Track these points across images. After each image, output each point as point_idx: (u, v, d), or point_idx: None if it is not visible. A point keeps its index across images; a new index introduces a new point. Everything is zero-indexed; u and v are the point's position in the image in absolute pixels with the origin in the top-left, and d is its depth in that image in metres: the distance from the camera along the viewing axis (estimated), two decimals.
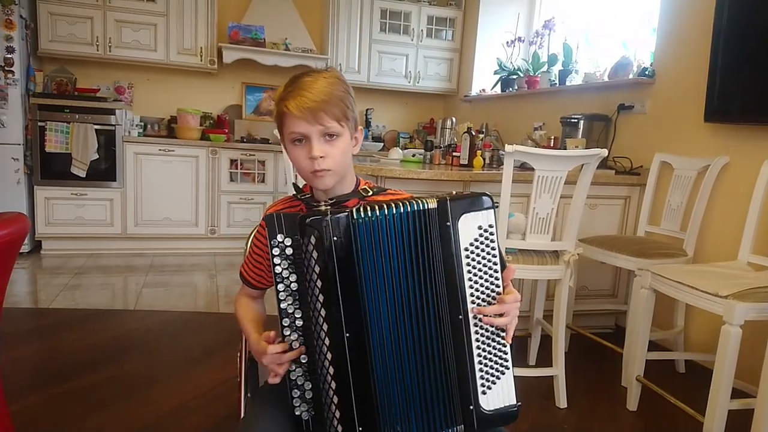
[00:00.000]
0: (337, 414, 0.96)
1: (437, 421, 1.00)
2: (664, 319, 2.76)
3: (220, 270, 4.17)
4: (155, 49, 4.56)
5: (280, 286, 0.98)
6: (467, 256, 0.99)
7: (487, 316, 1.00)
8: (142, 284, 3.69)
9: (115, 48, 4.46)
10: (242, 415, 1.25)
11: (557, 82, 4.00)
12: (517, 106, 4.50)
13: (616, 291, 3.17)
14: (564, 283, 2.27)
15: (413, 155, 3.61)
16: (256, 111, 5.23)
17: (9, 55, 3.94)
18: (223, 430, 1.96)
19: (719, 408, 1.85)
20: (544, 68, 4.20)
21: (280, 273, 0.98)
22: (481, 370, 1.00)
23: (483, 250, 1.00)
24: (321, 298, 0.95)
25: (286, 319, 0.99)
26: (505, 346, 1.02)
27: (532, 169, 2.14)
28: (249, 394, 1.28)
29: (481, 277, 1.00)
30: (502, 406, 1.02)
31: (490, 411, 1.01)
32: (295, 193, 1.20)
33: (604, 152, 2.12)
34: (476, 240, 0.99)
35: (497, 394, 1.01)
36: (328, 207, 1.00)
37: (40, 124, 4.10)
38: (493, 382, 1.01)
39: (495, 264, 1.01)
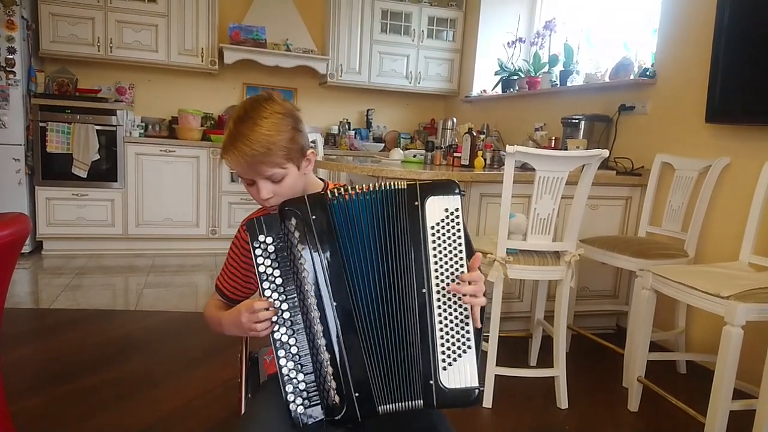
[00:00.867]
0: (333, 384, 1.02)
1: (402, 392, 1.03)
2: (665, 319, 2.75)
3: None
4: (156, 50, 4.57)
5: (265, 284, 1.03)
6: (433, 234, 1.04)
7: (458, 284, 1.03)
8: (143, 285, 3.69)
9: (117, 49, 4.46)
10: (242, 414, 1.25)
11: (558, 82, 4.01)
12: (518, 107, 4.50)
13: (617, 292, 3.16)
14: (565, 284, 2.26)
15: (414, 156, 3.61)
16: None
17: (10, 56, 3.94)
18: (224, 431, 1.96)
19: (720, 409, 1.85)
20: (545, 69, 4.20)
21: (264, 272, 1.03)
22: (442, 345, 1.03)
23: (448, 231, 1.04)
24: (307, 273, 1.02)
25: (274, 316, 1.04)
26: (468, 325, 1.04)
27: (533, 170, 2.13)
28: (249, 395, 1.28)
29: (445, 255, 1.04)
30: (463, 386, 1.03)
31: (449, 388, 1.03)
32: None
33: (605, 153, 2.12)
34: (442, 221, 1.04)
35: (458, 372, 1.03)
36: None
37: (41, 124, 4.11)
38: (454, 360, 1.03)
39: (459, 245, 1.05)
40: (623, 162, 3.14)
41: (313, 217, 1.02)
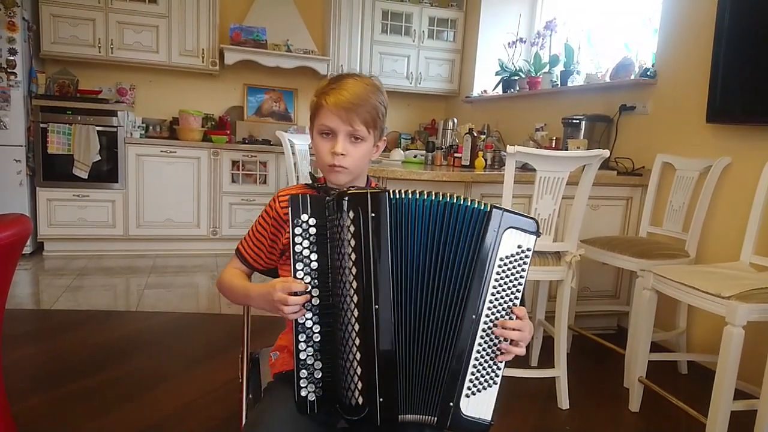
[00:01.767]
0: (360, 385, 0.99)
1: (419, 405, 1.03)
2: (666, 320, 2.75)
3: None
4: (157, 51, 4.57)
5: (299, 265, 1.01)
6: (500, 266, 1.03)
7: (504, 328, 1.03)
8: (144, 285, 3.70)
9: (117, 50, 4.47)
10: (244, 416, 1.25)
11: (559, 82, 4.00)
12: (518, 107, 4.50)
13: (618, 292, 3.16)
14: (566, 284, 2.26)
15: (415, 156, 3.61)
16: (258, 112, 5.24)
17: (11, 57, 3.95)
18: (225, 431, 1.96)
19: (722, 409, 1.85)
20: (546, 69, 4.20)
21: (301, 252, 1.01)
22: (472, 374, 1.03)
23: (514, 267, 1.04)
24: (354, 270, 0.98)
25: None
26: (501, 363, 1.05)
27: (534, 170, 2.13)
28: (251, 395, 1.28)
29: (504, 290, 1.04)
30: (478, 417, 1.04)
31: (466, 416, 1.03)
32: (311, 182, 1.23)
33: (606, 153, 2.12)
34: (512, 255, 1.03)
35: (478, 403, 1.04)
36: (354, 191, 1.04)
37: (42, 125, 4.11)
38: (479, 390, 1.04)
39: (520, 284, 1.04)
40: (624, 162, 3.14)
41: (372, 214, 0.98)
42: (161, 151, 4.46)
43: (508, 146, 2.13)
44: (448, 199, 1.01)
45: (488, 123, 4.02)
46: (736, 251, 2.37)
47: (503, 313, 1.04)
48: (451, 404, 1.02)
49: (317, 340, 1.01)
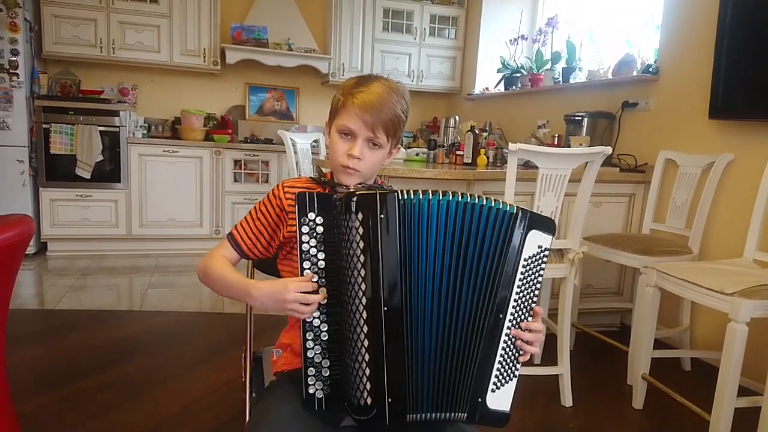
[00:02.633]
0: (368, 386, 0.99)
1: (446, 403, 1.03)
2: (669, 316, 2.75)
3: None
4: (159, 51, 4.58)
5: (306, 263, 1.01)
6: (524, 266, 1.04)
7: (524, 330, 1.05)
8: (147, 285, 3.70)
9: (119, 50, 4.47)
10: (247, 415, 1.25)
11: (561, 79, 3.99)
12: (520, 105, 4.50)
13: (621, 289, 3.16)
14: (569, 282, 2.26)
15: (416, 154, 3.61)
16: (260, 111, 5.24)
17: (13, 58, 3.95)
18: (229, 431, 1.96)
19: (725, 406, 1.84)
20: (548, 66, 4.19)
21: (308, 251, 1.00)
22: (498, 370, 1.05)
23: (535, 267, 1.05)
24: (363, 272, 0.98)
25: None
26: (520, 355, 1.07)
27: (536, 168, 2.13)
28: (254, 394, 1.28)
29: (526, 289, 1.05)
30: (500, 408, 1.06)
31: (492, 409, 1.05)
32: (317, 175, 1.22)
33: (609, 150, 2.11)
34: (534, 256, 1.05)
35: (501, 396, 1.06)
36: (358, 190, 1.04)
37: (44, 126, 4.12)
38: (503, 384, 1.06)
39: (539, 282, 1.07)
40: (626, 159, 3.13)
41: (381, 216, 0.97)
42: (163, 151, 4.47)
43: (510, 144, 2.12)
44: (468, 199, 1.01)
45: (490, 120, 4.01)
46: (739, 248, 2.36)
47: (526, 312, 1.06)
48: (480, 400, 1.04)
49: (325, 339, 1.01)
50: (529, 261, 1.04)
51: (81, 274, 3.87)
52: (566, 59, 3.93)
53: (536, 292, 1.07)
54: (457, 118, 3.84)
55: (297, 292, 0.99)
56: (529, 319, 1.07)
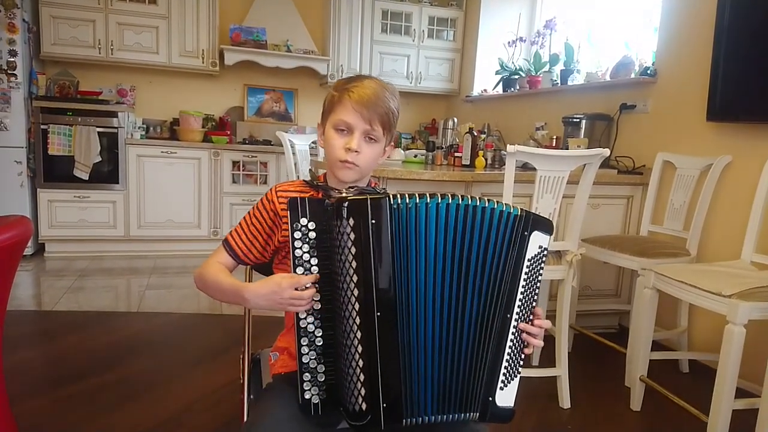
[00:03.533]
0: (363, 391, 0.98)
1: (455, 405, 1.04)
2: (667, 318, 2.75)
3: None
4: (157, 52, 4.57)
5: (299, 270, 1.01)
6: (527, 267, 1.05)
7: (529, 333, 1.07)
8: (145, 286, 3.70)
9: (117, 51, 4.47)
10: (245, 417, 1.25)
11: (559, 81, 4.00)
12: (518, 106, 4.50)
13: (619, 291, 3.16)
14: (567, 283, 2.26)
15: (415, 156, 3.61)
16: (258, 113, 5.24)
17: (12, 59, 3.95)
18: None
19: (723, 408, 1.84)
20: (546, 68, 4.20)
21: (301, 256, 1.00)
22: (505, 367, 1.06)
23: (536, 267, 1.07)
24: (355, 278, 0.97)
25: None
26: (523, 352, 1.09)
27: (534, 170, 2.13)
28: (252, 396, 1.28)
29: (528, 288, 1.06)
30: (507, 405, 1.07)
31: (500, 406, 1.06)
32: (309, 179, 1.23)
33: (606, 152, 2.12)
34: (535, 256, 1.06)
35: (508, 393, 1.08)
36: (349, 194, 1.06)
37: (42, 127, 4.11)
38: (509, 381, 1.07)
39: (539, 281, 1.08)
40: (624, 161, 3.14)
41: (373, 221, 0.97)
42: (162, 152, 4.46)
43: (508, 145, 2.13)
44: (469, 201, 1.01)
45: (488, 122, 4.02)
46: (737, 250, 2.37)
47: (529, 310, 1.07)
48: (491, 398, 1.06)
49: (320, 344, 1.01)
50: (532, 261, 1.05)
51: (79, 275, 3.86)
52: (564, 61, 3.94)
53: (537, 291, 1.08)
54: (456, 119, 3.85)
55: (291, 288, 0.99)
56: (532, 313, 1.08)
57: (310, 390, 1.01)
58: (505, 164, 2.19)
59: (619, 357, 2.59)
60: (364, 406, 0.99)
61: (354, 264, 0.97)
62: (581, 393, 2.36)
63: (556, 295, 2.35)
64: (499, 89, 4.68)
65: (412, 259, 0.99)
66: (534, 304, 1.08)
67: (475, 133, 3.31)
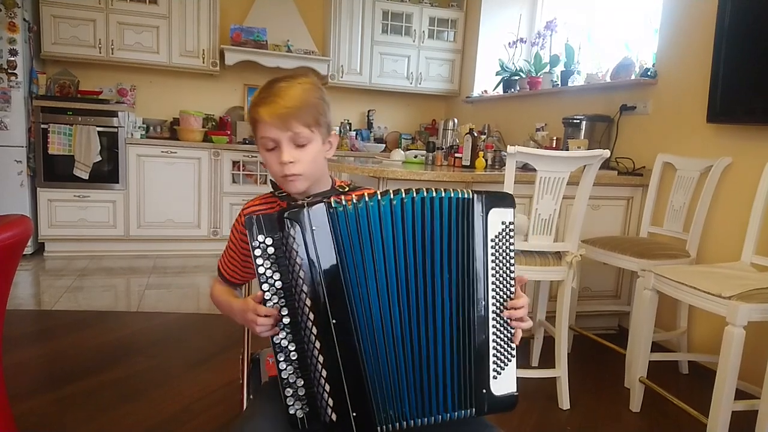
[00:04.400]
0: (330, 402, 0.98)
1: (445, 403, 1.02)
2: (667, 320, 2.75)
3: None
4: (158, 52, 4.58)
5: (265, 286, 0.99)
6: (492, 246, 1.04)
7: (510, 309, 1.05)
8: (145, 286, 3.70)
9: (118, 50, 4.47)
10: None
11: (559, 82, 4.00)
12: (519, 107, 4.50)
13: (619, 292, 3.16)
14: (567, 284, 2.26)
15: (415, 156, 3.61)
16: None
17: (12, 58, 3.95)
18: None
19: (723, 409, 1.84)
20: (546, 69, 4.20)
21: (264, 273, 0.99)
22: (494, 355, 1.05)
23: (504, 244, 1.05)
24: (305, 288, 0.97)
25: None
26: (512, 334, 1.07)
27: (535, 170, 2.13)
28: (251, 396, 1.28)
29: (501, 267, 1.05)
30: (507, 392, 1.06)
31: (498, 395, 1.05)
32: (272, 190, 1.22)
33: (607, 153, 2.12)
34: (500, 233, 1.05)
35: (505, 380, 1.06)
36: (306, 201, 1.02)
37: (43, 126, 4.11)
38: (502, 368, 1.06)
39: (512, 257, 1.06)
40: (624, 162, 3.14)
41: (313, 228, 0.96)
42: (162, 152, 4.46)
43: (508, 146, 2.13)
44: (425, 194, 0.99)
45: (489, 123, 4.02)
46: (736, 251, 2.37)
47: (506, 288, 1.05)
48: (485, 390, 1.04)
49: (294, 358, 0.99)
50: (497, 239, 1.04)
51: (78, 274, 3.86)
52: (565, 62, 3.94)
53: (511, 267, 1.06)
54: (456, 120, 3.84)
55: (253, 311, 0.99)
56: (512, 292, 1.06)
57: (293, 405, 0.99)
58: (505, 165, 2.19)
59: (619, 358, 2.59)
60: (334, 417, 0.97)
61: (302, 274, 0.96)
62: (581, 394, 2.36)
63: (556, 296, 2.35)
64: (500, 90, 4.68)
65: (369, 260, 0.98)
66: (512, 281, 1.06)
67: (476, 134, 3.31)
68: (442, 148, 3.53)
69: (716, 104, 2.61)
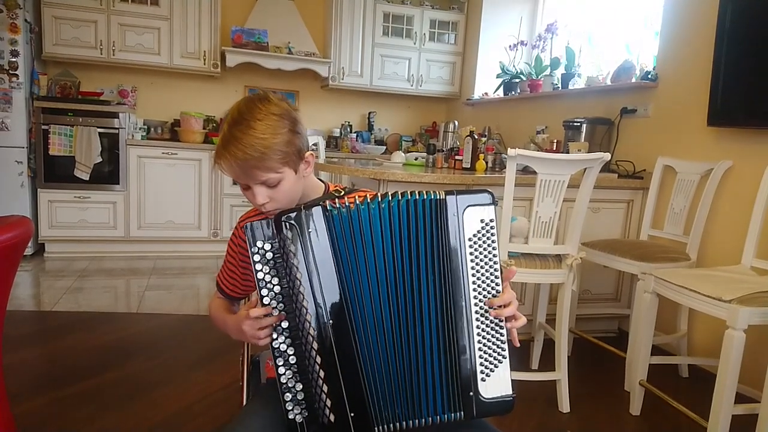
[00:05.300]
0: (328, 402, 0.98)
1: (435, 406, 1.02)
2: (667, 323, 2.75)
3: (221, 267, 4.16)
4: (159, 53, 4.58)
5: (264, 291, 0.99)
6: (471, 246, 1.02)
7: (494, 308, 1.03)
8: (145, 287, 3.70)
9: (119, 51, 4.47)
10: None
11: (560, 85, 4.00)
12: (519, 110, 4.51)
13: (619, 295, 3.16)
14: (567, 287, 2.26)
15: (416, 158, 3.61)
16: None
17: (13, 59, 3.96)
18: None
19: (723, 413, 1.84)
20: (547, 72, 4.20)
21: (263, 278, 0.99)
22: (481, 357, 1.03)
23: (484, 242, 1.03)
24: (302, 289, 0.97)
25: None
26: (504, 336, 1.04)
27: (535, 173, 2.13)
28: (251, 398, 1.28)
29: (482, 267, 1.03)
30: (500, 395, 1.04)
31: (488, 399, 1.03)
32: None
33: (607, 156, 2.12)
34: (479, 232, 1.03)
35: (495, 383, 1.04)
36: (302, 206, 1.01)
37: (43, 127, 4.12)
38: (492, 370, 1.04)
39: (495, 256, 1.04)
40: (625, 165, 3.14)
41: (309, 230, 0.97)
42: (162, 153, 4.47)
43: (509, 149, 2.13)
44: (408, 197, 1.00)
45: (489, 125, 4.02)
46: (737, 255, 2.37)
47: (489, 288, 1.03)
48: (471, 393, 1.02)
49: (293, 362, 1.00)
50: (475, 238, 1.02)
51: (79, 275, 3.86)
52: (565, 65, 3.94)
53: (495, 266, 1.04)
54: (457, 122, 3.84)
55: (250, 320, 0.99)
56: (498, 291, 1.04)
57: (292, 410, 0.99)
58: (505, 168, 2.19)
59: (619, 361, 2.59)
60: (332, 418, 0.98)
61: (299, 276, 0.97)
62: (581, 397, 2.36)
63: (556, 298, 2.35)
64: (500, 92, 4.68)
65: (362, 263, 0.99)
66: (497, 282, 1.04)
67: (476, 137, 3.31)
68: (443, 151, 3.53)
69: (717, 107, 2.62)
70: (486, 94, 5.04)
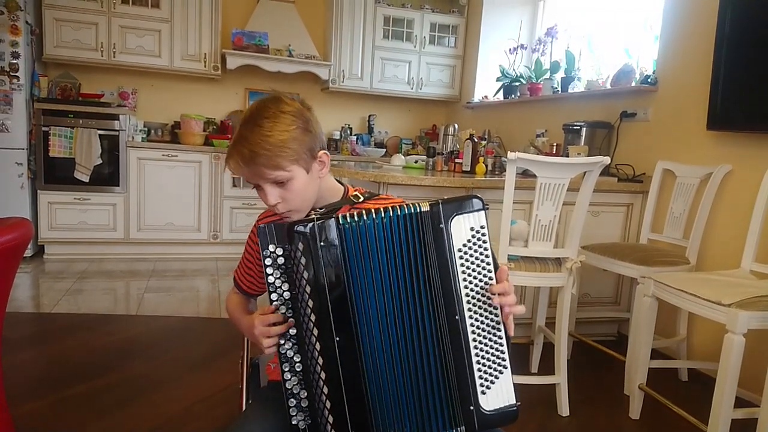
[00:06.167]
0: (330, 419, 0.97)
1: (437, 422, 1.00)
2: (666, 327, 2.75)
3: (222, 275, 4.17)
4: (159, 55, 4.58)
5: (273, 296, 0.99)
6: (461, 257, 0.99)
7: (494, 295, 0.99)
8: (145, 289, 3.69)
9: (120, 54, 4.48)
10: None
11: (560, 89, 4.01)
12: (519, 113, 4.51)
13: (618, 298, 3.16)
14: (566, 291, 2.26)
15: (416, 161, 3.61)
16: None
17: (14, 61, 3.96)
18: None
19: (722, 417, 1.84)
20: (547, 75, 4.21)
21: (273, 282, 0.99)
22: (479, 370, 1.01)
23: (476, 251, 1.00)
24: (310, 303, 0.96)
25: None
26: (503, 346, 1.02)
27: (535, 176, 2.14)
28: (251, 401, 1.28)
29: (475, 278, 1.01)
30: (502, 405, 1.02)
31: (490, 411, 1.01)
32: None
33: (607, 160, 2.12)
34: (469, 241, 1.00)
35: (497, 394, 1.02)
36: (317, 215, 1.00)
37: (44, 128, 4.12)
38: (492, 382, 1.01)
39: (488, 264, 1.01)
40: (625, 169, 3.14)
41: (321, 243, 0.95)
42: (163, 155, 4.47)
43: (509, 152, 2.13)
44: (406, 210, 0.98)
45: (489, 129, 4.03)
46: (736, 258, 2.37)
47: (484, 300, 1.00)
48: (472, 407, 1.00)
49: (299, 369, 0.99)
50: (465, 248, 1.00)
51: (78, 277, 3.86)
52: (565, 69, 3.95)
53: (489, 275, 1.01)
54: (456, 126, 3.85)
55: (261, 325, 0.99)
56: (494, 308, 1.01)
57: (296, 416, 0.99)
58: (505, 171, 2.19)
59: (618, 365, 2.58)
60: None
61: (308, 288, 0.96)
62: (580, 401, 2.36)
63: (556, 302, 2.34)
64: (500, 96, 4.69)
65: (369, 278, 0.97)
66: (488, 285, 1.01)
67: (476, 140, 3.32)
68: (443, 154, 3.53)
69: (716, 111, 2.62)
70: (486, 97, 5.04)
